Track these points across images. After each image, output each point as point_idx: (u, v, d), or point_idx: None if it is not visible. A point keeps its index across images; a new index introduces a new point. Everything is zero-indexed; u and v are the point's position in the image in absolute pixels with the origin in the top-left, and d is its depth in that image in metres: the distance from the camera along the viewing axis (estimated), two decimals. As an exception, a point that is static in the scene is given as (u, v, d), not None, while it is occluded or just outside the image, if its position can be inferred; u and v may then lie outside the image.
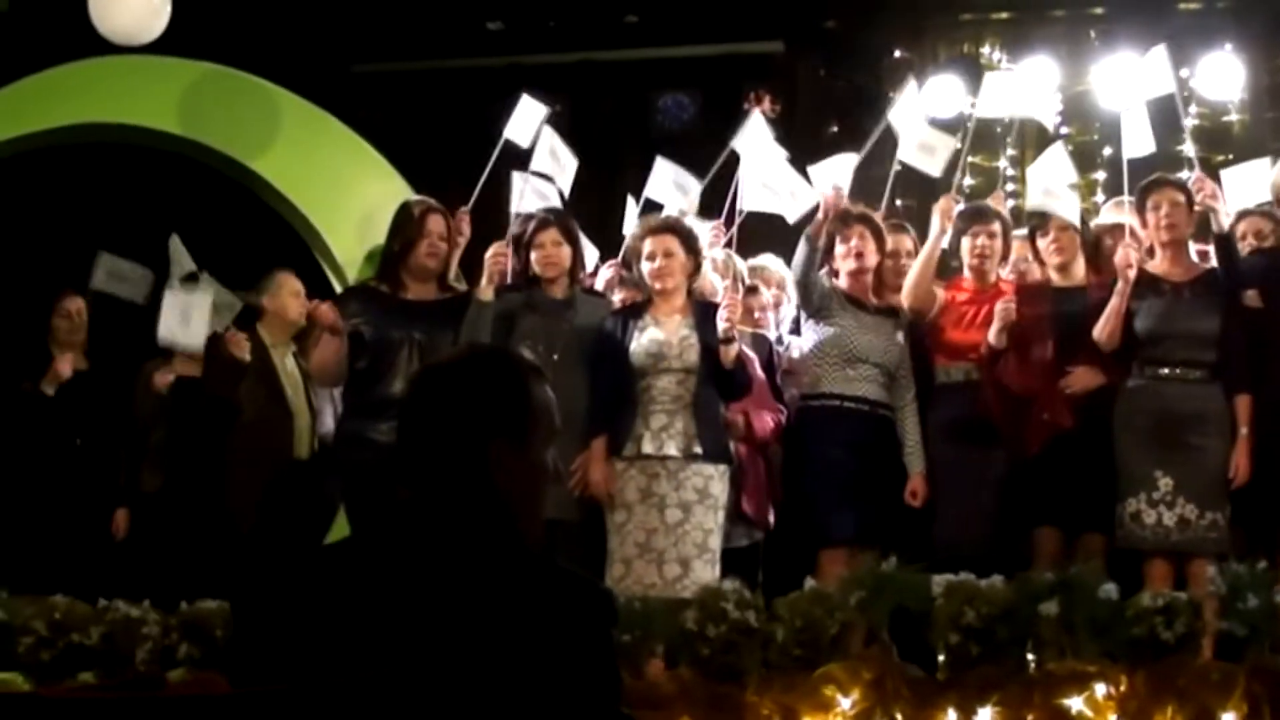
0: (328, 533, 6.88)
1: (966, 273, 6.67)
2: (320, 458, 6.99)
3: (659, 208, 6.97)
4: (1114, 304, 6.27)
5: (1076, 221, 6.55)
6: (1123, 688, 5.28)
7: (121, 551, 7.12)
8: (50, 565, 6.71)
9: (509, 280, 6.52)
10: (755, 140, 6.96)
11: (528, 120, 7.01)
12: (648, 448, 6.04)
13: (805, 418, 6.51)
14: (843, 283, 6.59)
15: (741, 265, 6.84)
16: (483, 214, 6.84)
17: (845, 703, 5.34)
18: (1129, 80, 6.77)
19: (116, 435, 7.26)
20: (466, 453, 2.39)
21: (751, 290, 6.72)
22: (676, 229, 6.32)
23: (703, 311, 6.18)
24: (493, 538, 2.37)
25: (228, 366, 6.92)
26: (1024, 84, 7.24)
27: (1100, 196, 8.92)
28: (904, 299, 6.59)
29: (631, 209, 7.16)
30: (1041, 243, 6.61)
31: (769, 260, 7.00)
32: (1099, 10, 10.84)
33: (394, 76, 11.45)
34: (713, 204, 6.99)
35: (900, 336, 6.57)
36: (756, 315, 6.69)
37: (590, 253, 6.97)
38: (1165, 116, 6.72)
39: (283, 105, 7.88)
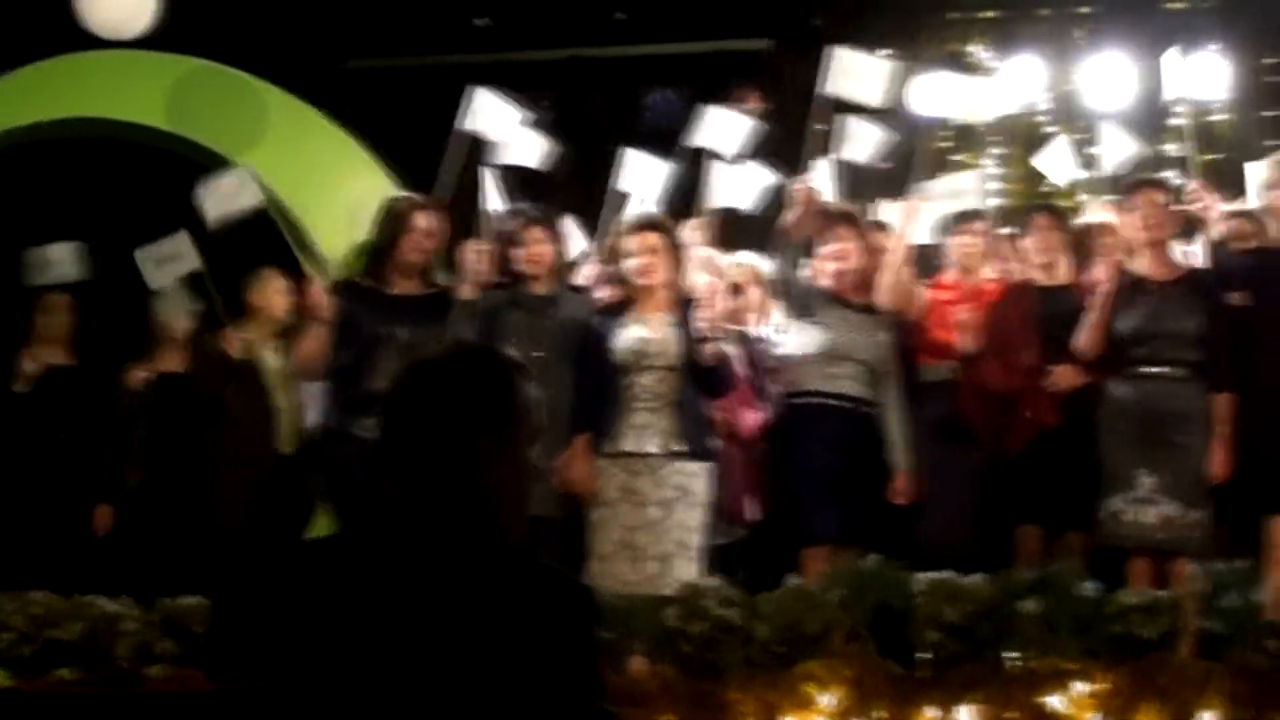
0: (307, 528, 6.87)
1: (951, 271, 6.68)
2: (305, 453, 6.99)
3: (627, 198, 6.96)
4: (1093, 317, 6.29)
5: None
6: (1103, 686, 5.30)
7: (103, 547, 7.11)
8: (31, 561, 6.69)
9: (491, 277, 6.51)
10: (720, 134, 6.95)
11: (491, 113, 6.97)
12: (629, 445, 6.04)
13: (789, 415, 6.52)
14: (826, 281, 6.60)
15: (725, 262, 6.84)
16: (455, 209, 6.84)
17: (826, 700, 5.35)
18: (1109, 87, 6.78)
19: (99, 431, 7.25)
20: (452, 449, 2.38)
21: (735, 288, 6.73)
22: (660, 226, 6.32)
23: (686, 309, 6.18)
24: (477, 534, 2.37)
25: (216, 365, 6.91)
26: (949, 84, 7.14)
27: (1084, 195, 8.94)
28: (881, 298, 6.61)
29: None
30: (1026, 242, 6.62)
31: (752, 258, 7.00)
32: (1086, 9, 10.86)
33: (384, 72, 11.45)
34: (690, 200, 7.00)
35: (884, 335, 6.58)
36: (740, 312, 6.69)
37: (578, 244, 6.97)
38: (1152, 117, 6.73)
39: (269, 100, 7.87)
